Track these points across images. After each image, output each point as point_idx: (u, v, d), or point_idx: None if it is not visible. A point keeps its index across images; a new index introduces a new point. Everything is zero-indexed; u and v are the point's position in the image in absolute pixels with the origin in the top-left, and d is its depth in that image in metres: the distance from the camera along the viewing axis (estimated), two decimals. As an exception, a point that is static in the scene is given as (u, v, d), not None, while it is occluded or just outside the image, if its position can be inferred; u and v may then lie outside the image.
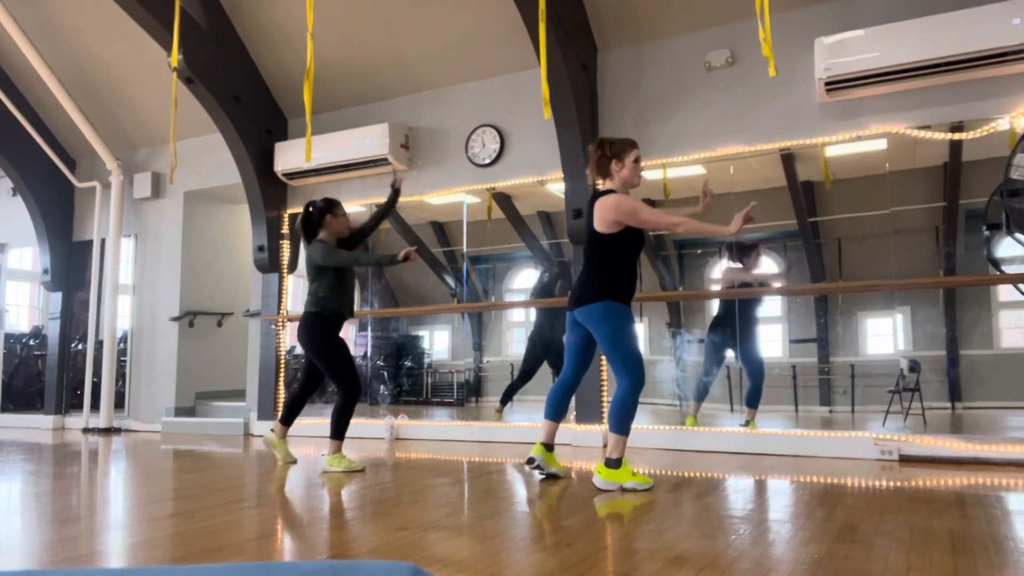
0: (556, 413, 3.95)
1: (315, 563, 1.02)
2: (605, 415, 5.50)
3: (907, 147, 4.95)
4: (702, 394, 5.57)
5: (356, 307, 4.69)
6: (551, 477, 3.95)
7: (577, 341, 3.87)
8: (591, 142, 3.90)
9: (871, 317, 5.62)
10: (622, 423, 3.62)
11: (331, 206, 4.51)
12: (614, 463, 3.60)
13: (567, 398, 3.99)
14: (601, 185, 3.83)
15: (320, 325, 4.41)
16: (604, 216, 3.68)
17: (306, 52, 4.82)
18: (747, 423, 5.29)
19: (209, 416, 7.62)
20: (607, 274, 3.70)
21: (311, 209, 4.51)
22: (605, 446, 5.41)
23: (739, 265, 5.63)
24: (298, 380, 4.72)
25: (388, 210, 4.81)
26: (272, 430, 4.76)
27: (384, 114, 6.70)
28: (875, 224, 5.07)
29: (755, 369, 5.44)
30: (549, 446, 3.93)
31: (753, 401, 5.36)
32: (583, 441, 5.46)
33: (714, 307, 6.03)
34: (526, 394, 6.42)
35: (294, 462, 4.75)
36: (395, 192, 4.78)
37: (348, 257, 4.40)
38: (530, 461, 3.90)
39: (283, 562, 2.33)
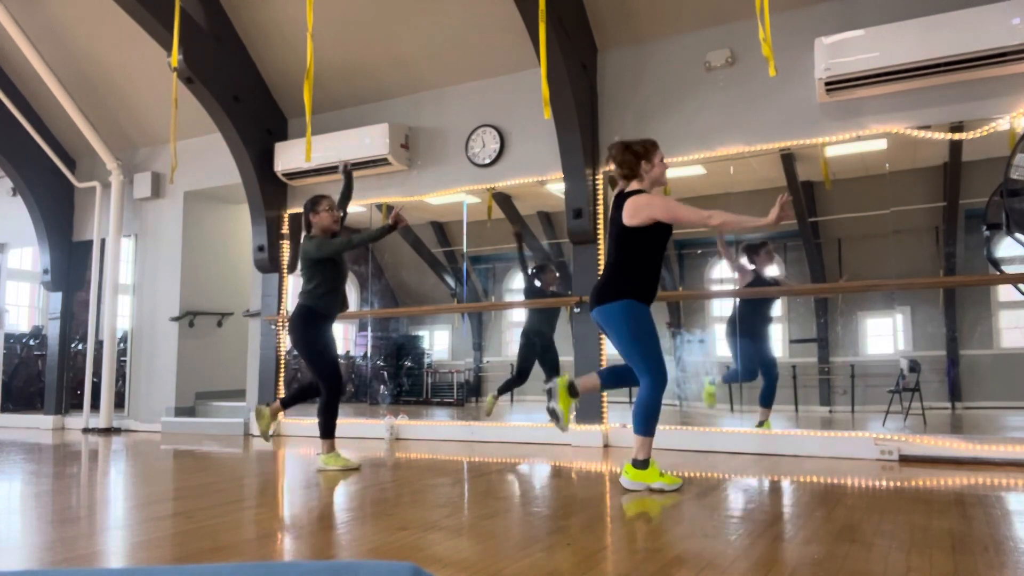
0: (606, 381, 3.84)
1: (315, 563, 1.02)
2: (605, 415, 5.51)
3: (907, 147, 4.95)
4: (729, 377, 5.54)
5: (355, 307, 4.73)
6: (553, 416, 3.82)
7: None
8: (611, 145, 3.80)
9: (871, 317, 5.62)
10: (645, 424, 3.56)
11: (312, 204, 4.56)
12: (641, 464, 3.56)
13: (622, 382, 3.86)
14: (628, 187, 3.75)
15: (311, 319, 4.44)
16: (638, 212, 3.61)
17: (306, 52, 4.82)
18: (761, 423, 5.24)
19: (209, 416, 7.61)
20: (631, 272, 3.64)
21: (302, 211, 4.63)
22: (606, 446, 5.42)
23: (752, 267, 5.59)
24: (307, 375, 4.74)
25: (347, 195, 4.89)
26: (268, 404, 4.78)
27: (384, 114, 6.70)
28: (875, 224, 5.07)
29: (769, 368, 5.41)
30: (574, 390, 3.80)
31: (767, 400, 5.32)
32: (583, 441, 5.46)
33: (715, 308, 6.03)
34: (525, 394, 6.41)
35: (268, 438, 4.72)
36: (346, 175, 4.90)
37: (340, 243, 4.42)
38: (549, 393, 3.81)
39: (283, 562, 2.32)
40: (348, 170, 4.94)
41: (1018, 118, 4.49)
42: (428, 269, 7.36)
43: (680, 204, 3.66)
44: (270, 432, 4.72)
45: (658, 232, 3.67)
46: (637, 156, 3.72)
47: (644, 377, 3.59)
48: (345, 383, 4.60)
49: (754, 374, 5.42)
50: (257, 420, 4.71)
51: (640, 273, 3.65)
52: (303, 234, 4.62)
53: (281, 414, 4.74)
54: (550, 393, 3.81)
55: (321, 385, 4.45)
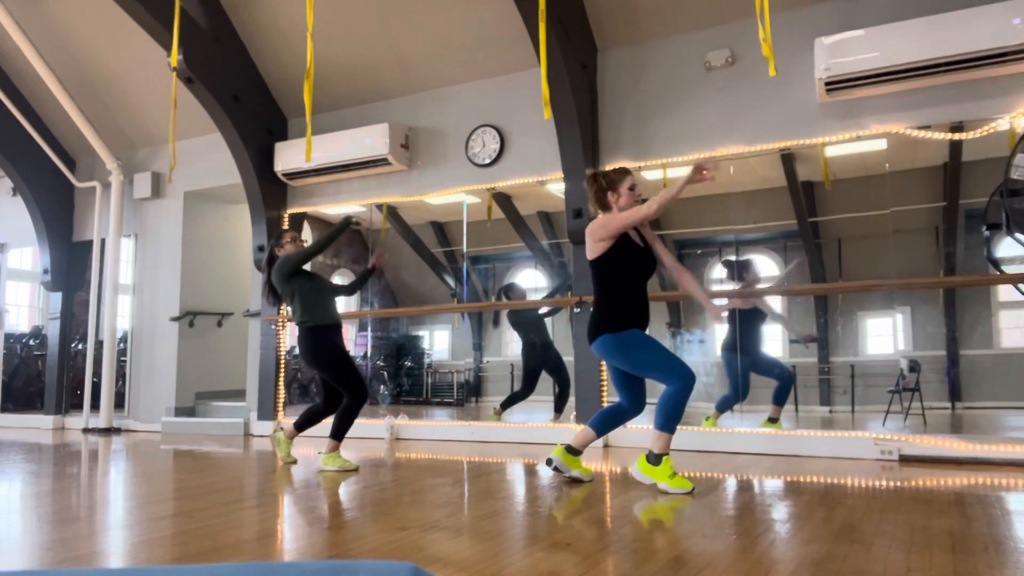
0: (599, 429, 3.80)
1: (315, 563, 1.02)
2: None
3: (907, 147, 4.95)
4: (724, 407, 5.51)
5: (356, 307, 4.74)
6: (575, 481, 3.86)
7: (613, 369, 3.79)
8: (586, 176, 3.84)
9: (871, 317, 5.62)
10: (667, 421, 3.54)
11: (276, 238, 4.72)
12: (655, 459, 3.57)
13: (616, 423, 3.84)
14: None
15: (310, 336, 4.49)
16: (588, 241, 3.69)
17: (306, 52, 4.82)
18: (773, 420, 5.20)
19: (209, 416, 7.61)
20: (609, 304, 3.65)
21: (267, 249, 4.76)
22: (606, 446, 5.42)
23: (741, 283, 5.57)
24: (320, 394, 4.73)
25: (361, 284, 4.97)
26: (281, 428, 4.85)
27: (384, 114, 6.70)
28: (875, 224, 5.07)
29: (775, 370, 5.39)
30: (574, 450, 3.83)
31: (780, 399, 5.28)
32: (583, 441, 5.45)
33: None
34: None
35: (293, 462, 4.78)
36: (368, 272, 4.92)
37: (299, 254, 4.50)
38: (548, 462, 3.83)
39: (283, 562, 2.32)
40: (375, 267, 4.90)
41: (1018, 118, 4.49)
42: (428, 269, 7.36)
43: (618, 214, 3.60)
44: (292, 457, 4.82)
45: (620, 256, 3.64)
46: (602, 189, 3.74)
47: (670, 383, 3.57)
48: (368, 390, 4.60)
49: (747, 392, 5.42)
50: (277, 448, 4.83)
51: (619, 302, 3.64)
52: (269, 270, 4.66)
53: (296, 435, 4.79)
54: (556, 468, 3.84)
55: (345, 393, 4.49)
